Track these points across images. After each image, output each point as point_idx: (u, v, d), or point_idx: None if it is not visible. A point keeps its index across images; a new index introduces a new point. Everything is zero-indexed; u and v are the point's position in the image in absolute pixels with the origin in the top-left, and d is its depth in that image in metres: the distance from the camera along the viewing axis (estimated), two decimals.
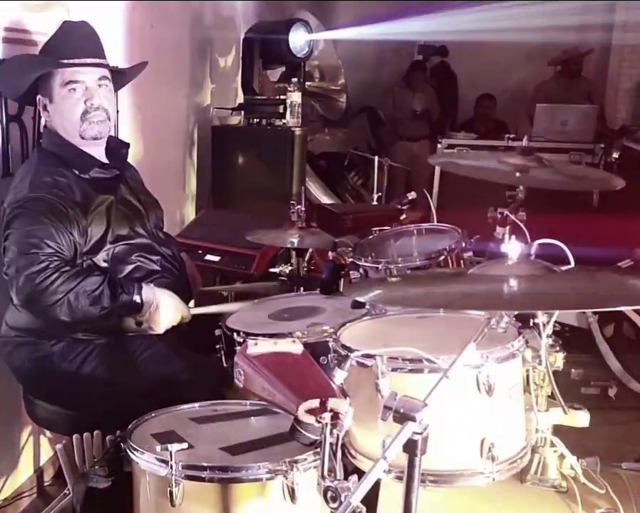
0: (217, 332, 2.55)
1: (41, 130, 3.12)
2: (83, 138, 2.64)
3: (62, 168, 2.60)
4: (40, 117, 3.13)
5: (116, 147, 2.81)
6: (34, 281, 2.40)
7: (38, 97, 2.66)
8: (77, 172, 2.62)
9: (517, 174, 2.46)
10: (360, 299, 1.96)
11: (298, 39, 5.35)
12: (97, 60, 2.63)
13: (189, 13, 4.96)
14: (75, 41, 2.62)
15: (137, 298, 2.49)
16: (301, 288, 3.12)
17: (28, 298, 2.44)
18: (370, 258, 2.86)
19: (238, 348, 2.27)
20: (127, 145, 2.86)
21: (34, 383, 2.69)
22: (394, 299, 1.91)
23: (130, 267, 2.63)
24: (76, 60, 2.58)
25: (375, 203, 4.87)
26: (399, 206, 3.77)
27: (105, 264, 2.57)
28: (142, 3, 3.86)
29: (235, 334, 2.44)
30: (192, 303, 2.92)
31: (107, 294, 2.45)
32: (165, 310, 2.53)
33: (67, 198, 2.54)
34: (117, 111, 3.34)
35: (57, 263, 2.43)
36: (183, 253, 3.05)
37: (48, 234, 2.45)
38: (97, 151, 2.71)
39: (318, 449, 1.65)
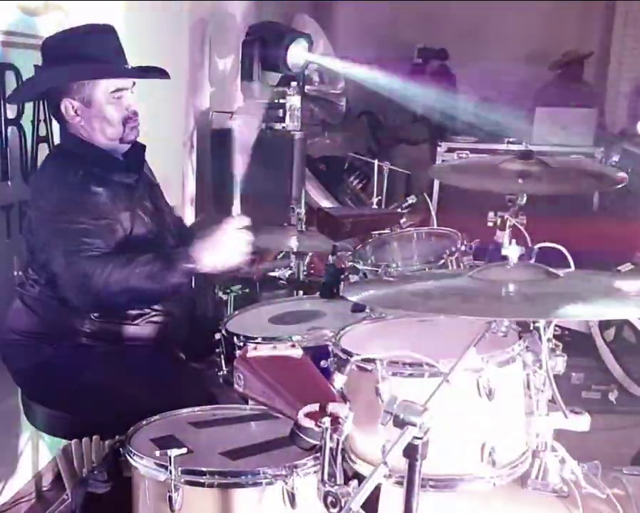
0: (217, 336, 2.54)
1: (41, 133, 3.13)
2: (122, 142, 2.68)
3: (91, 166, 2.60)
4: (39, 121, 3.13)
5: (134, 150, 2.82)
6: (90, 285, 2.39)
7: (66, 101, 2.62)
8: (100, 175, 2.61)
9: (520, 181, 2.45)
10: (353, 299, 1.95)
11: (296, 55, 5.34)
12: (131, 66, 2.68)
13: (188, 15, 4.96)
14: (116, 47, 2.66)
15: (190, 264, 2.47)
16: (301, 292, 3.12)
17: (91, 303, 2.47)
18: (370, 262, 2.86)
19: (238, 352, 2.27)
20: (144, 147, 2.87)
21: (33, 387, 2.68)
22: (388, 301, 1.90)
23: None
24: (126, 68, 2.64)
25: (374, 207, 4.87)
26: (399, 210, 3.76)
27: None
28: (141, 5, 3.86)
29: (235, 338, 2.44)
30: None
31: (160, 268, 2.43)
32: (219, 257, 2.51)
33: (102, 193, 2.55)
34: None
35: (104, 260, 2.42)
36: None
37: (92, 234, 2.45)
38: (118, 154, 2.74)
39: (318, 454, 1.64)
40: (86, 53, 2.60)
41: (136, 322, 2.62)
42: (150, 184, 2.85)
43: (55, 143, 3.23)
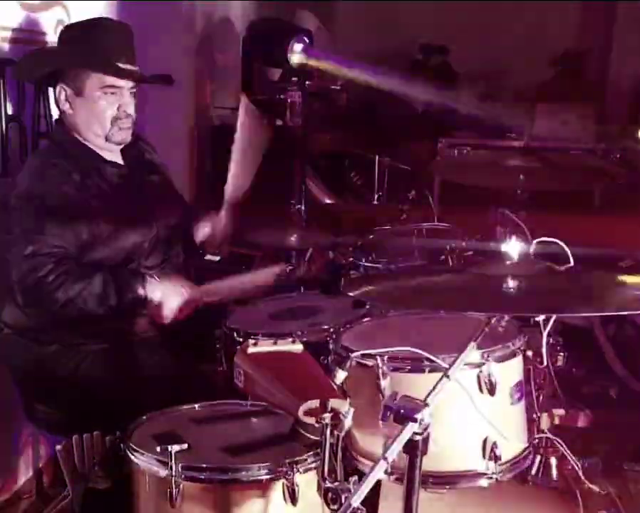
0: (217, 332, 2.54)
1: (41, 129, 3.13)
2: (108, 141, 2.64)
3: (72, 163, 2.58)
4: (40, 118, 3.13)
5: (131, 144, 2.80)
6: (39, 285, 2.40)
7: (60, 85, 2.61)
8: (84, 168, 2.60)
9: (520, 176, 2.45)
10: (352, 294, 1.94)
11: (297, 51, 5.33)
12: (136, 69, 2.64)
13: (189, 11, 4.95)
14: (121, 43, 2.63)
15: (141, 293, 2.48)
16: (302, 288, 3.12)
17: (33, 301, 2.46)
18: (370, 257, 2.85)
19: (238, 347, 2.26)
20: (142, 140, 2.86)
21: (32, 384, 2.68)
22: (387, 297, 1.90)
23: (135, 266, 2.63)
24: (124, 66, 2.59)
25: (375, 203, 4.87)
26: (400, 206, 3.76)
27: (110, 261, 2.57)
28: (140, 3, 3.85)
29: (235, 334, 2.43)
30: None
31: (113, 293, 2.44)
32: (170, 300, 2.52)
33: (76, 194, 2.53)
34: None
35: (62, 265, 2.42)
36: None
37: (54, 232, 2.44)
38: (110, 149, 2.70)
39: (319, 450, 1.64)
40: (88, 42, 2.59)
41: (136, 317, 2.62)
42: (147, 180, 2.83)
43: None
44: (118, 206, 2.62)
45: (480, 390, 1.77)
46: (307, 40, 5.37)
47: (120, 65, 2.58)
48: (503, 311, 1.71)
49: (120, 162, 2.71)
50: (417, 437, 1.45)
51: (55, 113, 2.84)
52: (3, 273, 2.53)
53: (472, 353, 1.63)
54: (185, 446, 1.78)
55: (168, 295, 2.52)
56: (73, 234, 2.48)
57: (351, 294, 1.89)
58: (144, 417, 2.03)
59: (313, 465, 1.77)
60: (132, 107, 2.64)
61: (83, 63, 2.58)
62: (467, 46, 8.05)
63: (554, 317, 1.95)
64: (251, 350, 1.92)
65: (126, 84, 2.60)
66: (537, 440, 1.97)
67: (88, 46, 2.58)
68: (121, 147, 2.70)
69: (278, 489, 1.77)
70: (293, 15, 6.15)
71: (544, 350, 1.89)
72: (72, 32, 2.64)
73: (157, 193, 2.85)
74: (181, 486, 1.74)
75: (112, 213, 2.58)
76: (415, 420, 1.45)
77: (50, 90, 3.07)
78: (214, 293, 2.64)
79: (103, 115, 2.60)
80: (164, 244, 2.74)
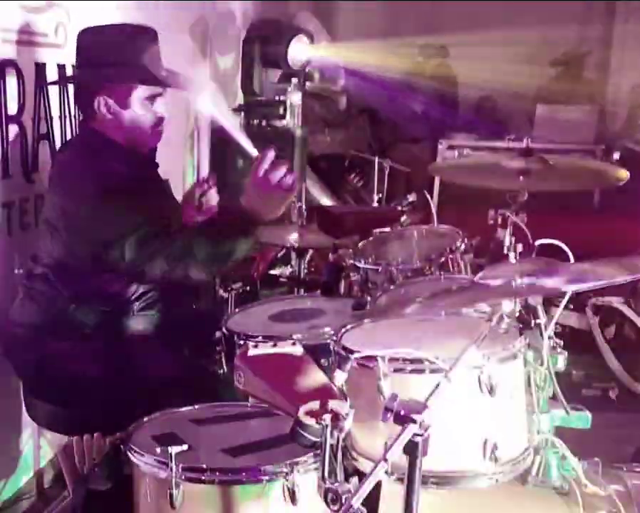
0: (217, 334, 2.54)
1: (42, 130, 3.13)
2: (144, 146, 2.72)
3: (109, 161, 2.61)
4: (40, 119, 3.13)
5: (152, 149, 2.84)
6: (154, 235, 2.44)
7: (102, 98, 2.63)
8: (120, 168, 2.61)
9: (521, 178, 2.44)
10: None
11: (297, 52, 5.34)
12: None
13: (189, 13, 4.96)
14: (157, 54, 2.69)
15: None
16: (302, 290, 3.12)
17: (156, 249, 2.46)
18: (370, 259, 2.85)
19: (238, 350, 2.27)
20: (155, 147, 2.88)
21: (35, 381, 2.69)
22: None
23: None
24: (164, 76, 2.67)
25: (375, 204, 4.88)
26: (399, 208, 3.76)
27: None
28: (141, 4, 3.86)
29: (235, 336, 2.43)
30: None
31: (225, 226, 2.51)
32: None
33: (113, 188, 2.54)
34: None
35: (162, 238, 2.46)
36: None
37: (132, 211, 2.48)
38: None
39: (319, 451, 1.64)
40: (129, 57, 2.62)
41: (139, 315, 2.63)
42: (160, 183, 2.87)
43: (56, 140, 3.23)
44: (148, 203, 2.63)
45: (481, 391, 1.78)
46: (307, 40, 5.39)
47: (163, 73, 2.64)
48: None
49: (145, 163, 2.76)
50: (418, 438, 1.45)
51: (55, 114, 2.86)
52: (10, 271, 2.54)
53: (473, 355, 1.64)
54: (185, 447, 1.77)
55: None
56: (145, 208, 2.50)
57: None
58: (144, 419, 2.04)
59: (313, 466, 1.77)
60: (164, 111, 2.72)
61: (135, 79, 2.62)
62: (467, 47, 8.05)
63: (554, 319, 1.95)
64: (251, 352, 1.93)
65: (161, 91, 2.65)
66: (537, 441, 1.98)
67: (132, 61, 2.60)
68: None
69: (278, 489, 1.77)
70: (293, 15, 6.15)
71: (544, 351, 1.89)
72: (105, 43, 2.63)
73: (174, 198, 2.91)
74: (181, 487, 1.74)
75: (144, 209, 2.59)
76: (415, 421, 1.45)
77: (52, 91, 3.09)
78: None
79: (146, 123, 2.65)
80: None
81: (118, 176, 2.55)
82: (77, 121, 3.32)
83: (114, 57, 2.61)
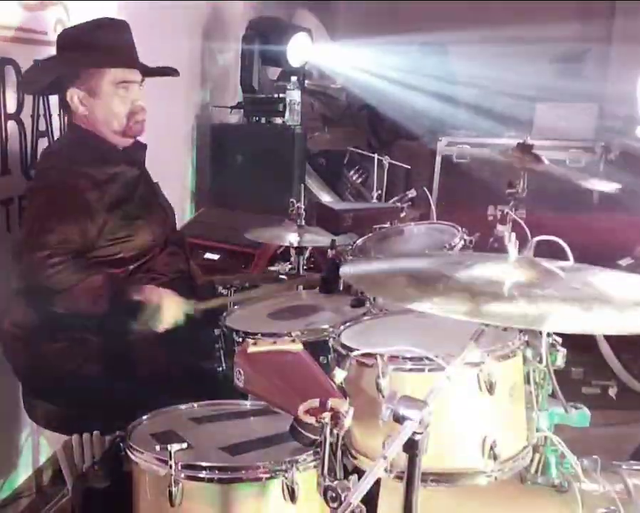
0: (216, 331, 2.54)
1: (41, 127, 3.13)
2: (125, 135, 2.68)
3: (90, 159, 2.62)
4: (39, 116, 3.13)
5: (136, 149, 2.82)
6: (40, 267, 2.40)
7: (72, 90, 2.64)
8: (104, 167, 2.62)
9: (521, 175, 2.44)
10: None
11: (296, 50, 5.34)
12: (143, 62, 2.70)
13: (188, 10, 4.95)
14: (128, 40, 2.67)
15: (138, 299, 2.49)
16: (301, 287, 3.11)
17: (30, 282, 2.47)
18: (370, 256, 2.85)
19: (237, 347, 2.26)
20: (145, 147, 2.86)
21: (33, 381, 2.69)
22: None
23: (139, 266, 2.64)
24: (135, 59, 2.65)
25: (374, 201, 4.87)
26: (399, 205, 3.76)
27: (111, 265, 2.58)
28: (141, 4, 3.85)
29: (234, 334, 2.43)
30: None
31: (109, 294, 2.45)
32: (167, 310, 2.53)
33: (91, 191, 2.54)
34: None
35: (65, 253, 2.43)
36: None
37: (63, 220, 2.45)
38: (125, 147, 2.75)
39: (318, 449, 1.64)
40: (96, 42, 2.62)
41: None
42: (150, 182, 2.86)
43: (55, 137, 3.23)
44: (134, 203, 2.65)
45: (480, 389, 1.78)
46: (306, 38, 5.39)
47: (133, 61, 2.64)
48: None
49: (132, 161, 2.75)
50: (417, 436, 1.45)
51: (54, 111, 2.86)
52: (5, 269, 2.54)
53: (472, 352, 1.63)
54: (185, 445, 1.78)
55: (167, 304, 2.55)
56: (86, 229, 2.50)
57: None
58: (144, 417, 2.04)
59: (312, 464, 1.77)
60: (144, 101, 2.70)
61: (101, 62, 2.60)
62: (466, 45, 8.05)
63: None
64: (250, 349, 1.92)
65: (136, 78, 2.63)
66: (536, 439, 1.98)
67: (99, 45, 2.60)
68: (130, 141, 2.73)
69: (277, 487, 1.77)
70: (293, 13, 6.15)
71: (543, 349, 1.89)
72: (74, 35, 2.65)
73: (161, 194, 2.89)
74: (180, 484, 1.74)
75: (128, 210, 2.61)
76: (414, 419, 1.45)
77: None
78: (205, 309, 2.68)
79: (120, 111, 2.64)
80: (171, 244, 2.77)
81: (86, 181, 2.54)
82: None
83: (82, 46, 2.63)
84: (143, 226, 2.66)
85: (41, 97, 3.12)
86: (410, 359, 1.79)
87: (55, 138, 3.22)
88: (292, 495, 1.76)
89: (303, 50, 5.37)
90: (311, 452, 1.76)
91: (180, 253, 2.82)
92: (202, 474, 1.76)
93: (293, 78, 5.28)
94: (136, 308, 2.50)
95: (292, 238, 3.22)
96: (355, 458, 1.88)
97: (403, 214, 3.62)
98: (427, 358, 1.76)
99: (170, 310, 2.54)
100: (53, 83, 2.69)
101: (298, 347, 1.96)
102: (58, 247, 2.42)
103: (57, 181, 2.53)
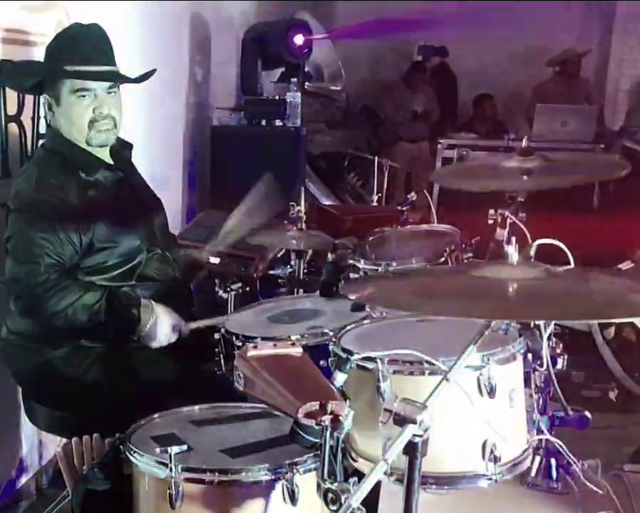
0: (216, 335, 2.54)
1: (41, 129, 3.13)
2: (89, 144, 2.64)
3: (67, 169, 2.59)
4: (39, 118, 3.13)
5: (119, 148, 2.79)
6: (33, 292, 2.43)
7: (44, 96, 2.65)
8: (82, 175, 2.61)
9: (525, 177, 2.43)
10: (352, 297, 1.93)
11: (297, 40, 5.34)
12: (108, 68, 2.61)
13: (188, 13, 4.96)
14: (87, 47, 2.60)
15: (134, 315, 2.50)
16: (301, 291, 3.11)
17: (27, 308, 2.50)
18: (370, 259, 2.85)
19: (237, 351, 2.26)
20: (131, 146, 2.85)
21: (34, 387, 2.68)
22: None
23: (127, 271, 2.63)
24: (87, 68, 2.56)
25: (375, 204, 4.88)
26: (399, 207, 3.76)
27: (104, 282, 2.57)
28: (141, 4, 3.86)
29: (234, 337, 2.43)
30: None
31: (105, 309, 2.46)
32: (162, 328, 2.54)
33: (71, 202, 2.53)
34: None
35: (57, 275, 2.44)
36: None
37: (51, 242, 2.45)
38: (103, 153, 2.70)
39: (319, 452, 1.64)
40: (60, 51, 2.60)
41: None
42: (138, 183, 2.84)
43: None
44: (116, 209, 2.64)
45: (480, 392, 1.78)
46: (306, 28, 5.40)
47: (88, 68, 2.56)
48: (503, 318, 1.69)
49: (113, 165, 2.72)
50: (417, 439, 1.46)
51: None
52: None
53: (472, 356, 1.63)
54: (185, 447, 1.78)
55: (162, 322, 2.56)
56: (72, 241, 2.49)
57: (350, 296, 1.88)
58: (144, 419, 2.03)
59: (313, 466, 1.77)
60: (112, 109, 2.62)
61: (53, 71, 2.59)
62: (466, 47, 8.08)
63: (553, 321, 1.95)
64: (250, 353, 1.92)
65: (99, 85, 2.58)
66: (536, 442, 1.98)
67: (59, 55, 2.59)
68: (106, 148, 2.70)
69: (278, 490, 1.76)
70: (293, 15, 6.16)
71: (544, 353, 1.89)
72: (51, 43, 2.65)
73: (149, 195, 2.87)
74: (181, 487, 1.74)
75: (111, 216, 2.59)
76: (414, 422, 1.45)
77: None
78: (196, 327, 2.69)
79: (80, 119, 2.59)
80: (160, 246, 2.75)
81: (62, 193, 2.54)
82: None
83: (48, 52, 2.63)
84: (127, 231, 2.63)
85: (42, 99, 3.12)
86: (411, 362, 1.79)
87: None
88: (292, 498, 1.75)
89: (302, 48, 5.38)
90: (312, 454, 1.76)
91: (169, 258, 2.79)
92: (203, 477, 1.75)
93: (294, 80, 5.29)
94: (132, 321, 2.52)
95: (292, 241, 3.22)
96: (355, 461, 1.88)
97: (403, 217, 3.62)
98: (427, 362, 1.76)
99: (165, 329, 2.57)
100: (35, 85, 2.69)
101: (298, 351, 1.95)
102: (47, 270, 2.43)
103: (32, 199, 2.51)
